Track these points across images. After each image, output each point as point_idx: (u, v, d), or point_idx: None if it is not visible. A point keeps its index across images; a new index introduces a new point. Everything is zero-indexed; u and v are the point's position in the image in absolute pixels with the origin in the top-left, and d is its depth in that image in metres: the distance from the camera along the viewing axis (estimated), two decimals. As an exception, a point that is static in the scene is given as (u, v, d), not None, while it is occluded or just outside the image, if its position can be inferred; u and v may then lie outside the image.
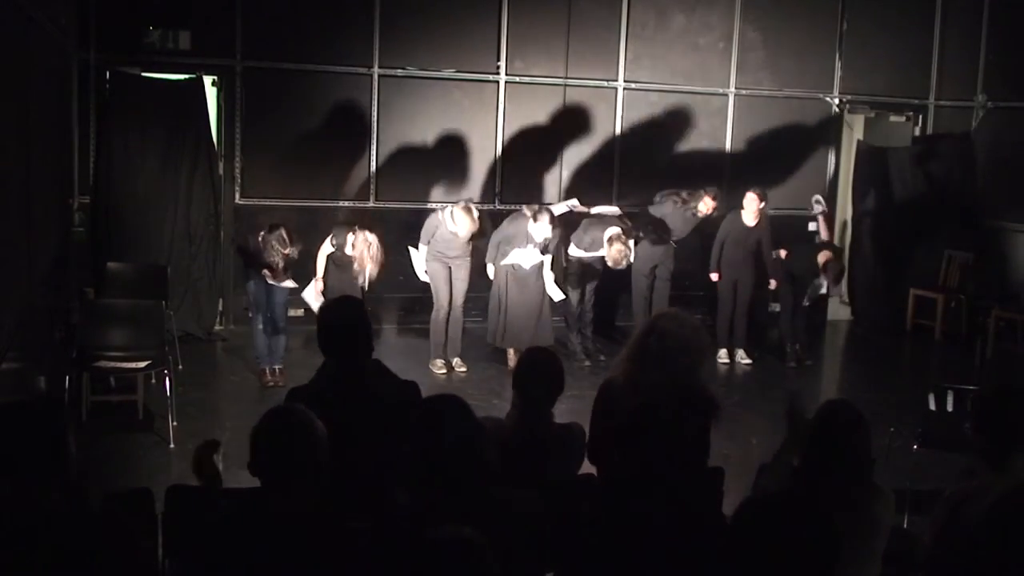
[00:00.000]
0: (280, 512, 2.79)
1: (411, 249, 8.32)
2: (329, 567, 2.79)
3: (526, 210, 8.29)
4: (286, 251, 7.43)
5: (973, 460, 3.59)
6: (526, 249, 8.19)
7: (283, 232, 7.44)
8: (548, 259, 8.37)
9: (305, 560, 2.77)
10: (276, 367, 7.64)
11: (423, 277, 8.30)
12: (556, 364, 3.96)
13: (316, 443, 2.85)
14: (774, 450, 3.84)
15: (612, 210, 8.83)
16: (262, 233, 7.48)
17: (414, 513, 2.85)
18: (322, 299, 7.68)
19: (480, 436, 2.96)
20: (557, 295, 8.44)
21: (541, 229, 8.10)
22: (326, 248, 7.81)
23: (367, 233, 7.68)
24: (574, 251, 8.62)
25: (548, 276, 8.39)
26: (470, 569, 2.26)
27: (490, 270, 8.38)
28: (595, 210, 8.80)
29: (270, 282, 7.49)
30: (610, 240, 8.24)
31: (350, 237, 7.66)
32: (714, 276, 8.97)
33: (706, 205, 8.82)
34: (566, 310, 8.85)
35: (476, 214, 8.07)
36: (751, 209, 8.82)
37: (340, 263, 7.77)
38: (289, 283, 7.57)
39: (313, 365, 4.00)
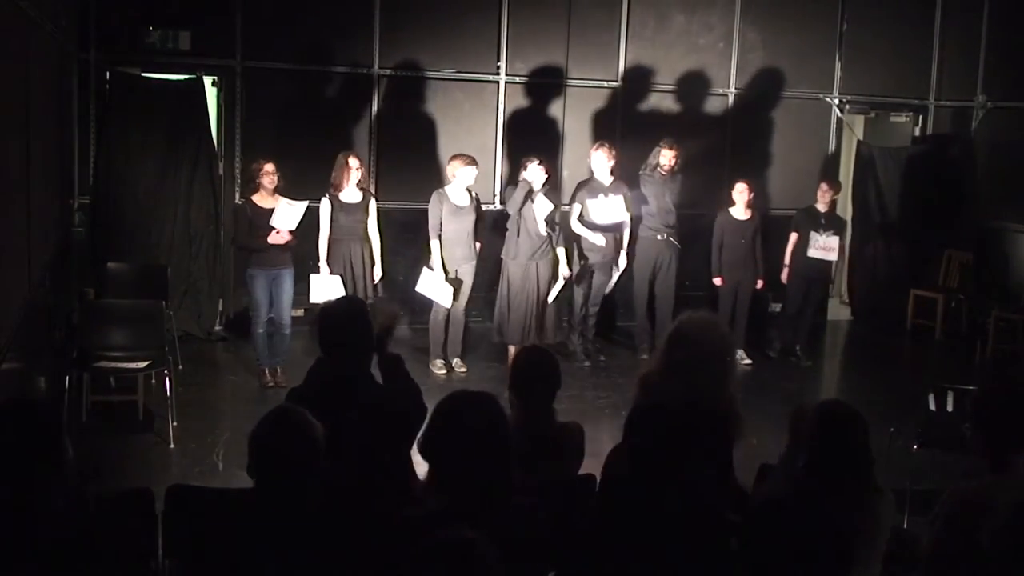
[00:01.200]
0: (278, 512, 2.79)
1: (425, 271, 8.10)
2: (330, 567, 2.79)
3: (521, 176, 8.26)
4: (273, 172, 7.41)
5: (973, 460, 3.59)
6: (536, 203, 8.08)
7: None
8: (562, 253, 8.29)
9: (305, 561, 2.77)
10: (277, 367, 7.64)
11: (446, 302, 8.07)
12: (552, 361, 3.96)
13: (313, 445, 2.85)
14: (774, 450, 3.85)
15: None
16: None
17: (428, 514, 2.84)
18: (334, 286, 7.66)
19: (508, 438, 2.95)
20: (552, 295, 8.35)
21: (534, 172, 8.07)
22: (325, 212, 7.73)
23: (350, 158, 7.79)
24: (582, 223, 8.56)
25: (562, 272, 8.33)
26: (473, 571, 2.26)
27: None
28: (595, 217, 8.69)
29: (280, 240, 7.38)
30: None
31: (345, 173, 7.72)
32: (717, 281, 8.92)
33: (664, 156, 8.75)
34: (569, 311, 8.84)
35: (465, 160, 8.03)
36: (741, 201, 8.81)
37: (344, 218, 7.75)
38: (295, 209, 7.43)
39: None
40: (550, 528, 3.02)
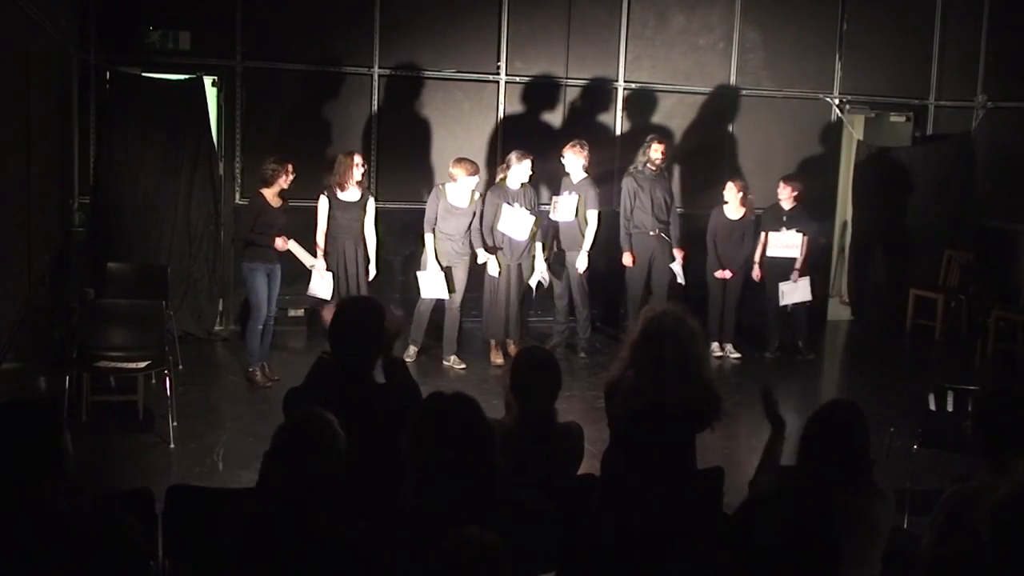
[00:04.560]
0: (281, 512, 2.79)
1: (420, 276, 8.20)
2: (333, 568, 2.79)
3: (500, 174, 8.48)
4: (291, 173, 7.44)
5: (973, 460, 3.60)
6: (514, 208, 8.23)
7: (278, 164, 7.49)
8: (539, 248, 8.45)
9: (307, 561, 2.76)
10: (266, 364, 7.70)
11: (444, 294, 8.14)
12: (552, 362, 3.97)
13: (336, 458, 2.85)
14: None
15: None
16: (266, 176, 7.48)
17: (420, 514, 2.84)
18: (329, 282, 7.69)
19: (490, 437, 2.95)
20: (536, 278, 8.50)
21: (520, 171, 8.23)
22: (323, 209, 7.78)
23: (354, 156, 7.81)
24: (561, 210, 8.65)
25: (539, 260, 8.48)
26: (486, 571, 2.26)
27: (491, 265, 8.32)
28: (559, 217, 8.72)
29: (283, 248, 7.45)
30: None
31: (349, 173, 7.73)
32: (726, 274, 8.95)
33: (655, 151, 8.75)
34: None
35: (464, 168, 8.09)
36: (733, 201, 8.83)
37: (341, 216, 7.77)
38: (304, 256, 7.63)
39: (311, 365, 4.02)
40: (551, 528, 3.02)
